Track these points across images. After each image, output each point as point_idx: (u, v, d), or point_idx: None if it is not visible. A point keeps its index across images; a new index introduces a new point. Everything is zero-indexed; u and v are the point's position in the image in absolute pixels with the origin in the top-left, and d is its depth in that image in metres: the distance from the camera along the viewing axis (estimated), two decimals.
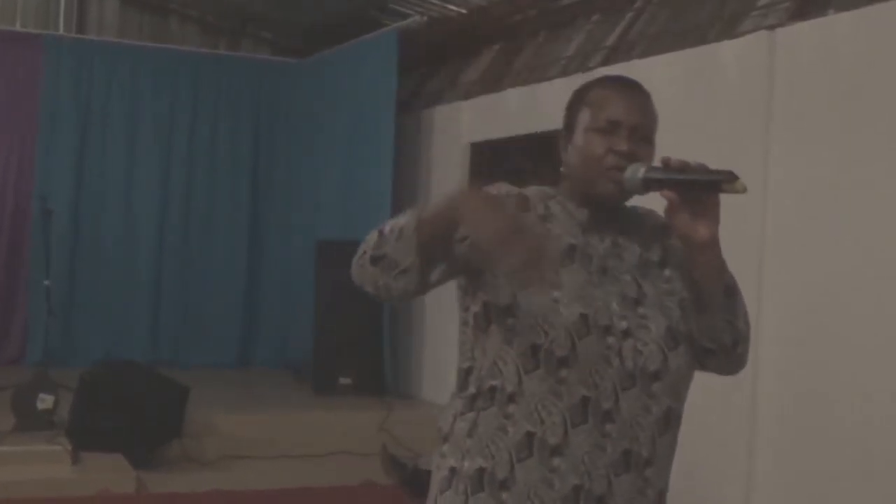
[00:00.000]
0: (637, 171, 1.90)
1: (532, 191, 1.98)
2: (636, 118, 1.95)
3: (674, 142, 6.87)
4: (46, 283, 7.13)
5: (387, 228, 1.82)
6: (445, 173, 8.53)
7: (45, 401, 6.44)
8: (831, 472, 5.02)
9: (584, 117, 1.95)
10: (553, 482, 1.83)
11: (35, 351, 8.57)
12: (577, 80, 7.28)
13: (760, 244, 5.48)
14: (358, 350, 7.98)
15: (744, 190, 1.84)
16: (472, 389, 1.92)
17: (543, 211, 1.95)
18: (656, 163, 1.94)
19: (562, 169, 2.00)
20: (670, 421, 1.92)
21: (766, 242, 5.46)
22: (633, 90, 2.00)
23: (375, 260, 1.81)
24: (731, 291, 1.93)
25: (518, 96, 7.67)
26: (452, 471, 1.92)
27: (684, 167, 1.90)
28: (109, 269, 9.43)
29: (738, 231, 5.60)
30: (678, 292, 1.96)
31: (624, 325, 1.87)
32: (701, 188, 1.86)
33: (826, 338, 5.12)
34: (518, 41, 8.29)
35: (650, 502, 1.90)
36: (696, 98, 6.06)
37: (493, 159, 8.42)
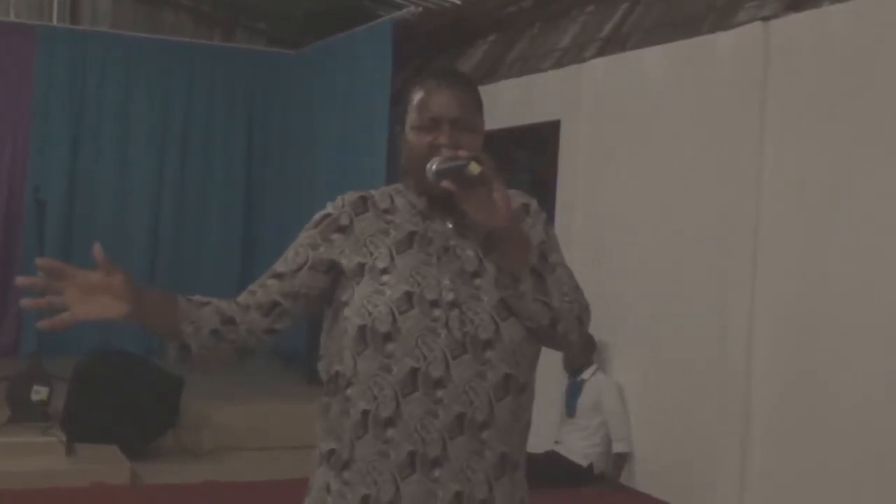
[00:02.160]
0: (432, 165, 1.98)
1: (380, 190, 2.15)
2: (454, 112, 2.03)
3: (668, 132, 6.88)
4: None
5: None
6: None
7: (39, 392, 6.43)
8: (825, 460, 5.03)
9: (410, 117, 2.07)
10: (388, 453, 1.95)
11: (29, 342, 8.56)
12: (572, 72, 7.31)
13: (754, 233, 5.48)
14: None
15: (477, 171, 1.91)
16: (324, 376, 2.09)
17: (388, 205, 2.10)
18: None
19: (402, 164, 2.13)
20: (509, 387, 1.99)
21: (760, 232, 5.47)
22: (450, 84, 2.07)
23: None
24: (539, 273, 1.98)
25: (513, 87, 7.67)
26: (319, 450, 2.08)
27: (454, 157, 1.96)
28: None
29: (732, 220, 5.63)
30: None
31: (451, 296, 1.98)
32: (461, 176, 1.93)
33: (819, 327, 5.13)
34: (513, 32, 8.28)
35: (489, 464, 1.98)
36: (691, 89, 6.06)
37: (487, 150, 8.41)
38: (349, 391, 2.00)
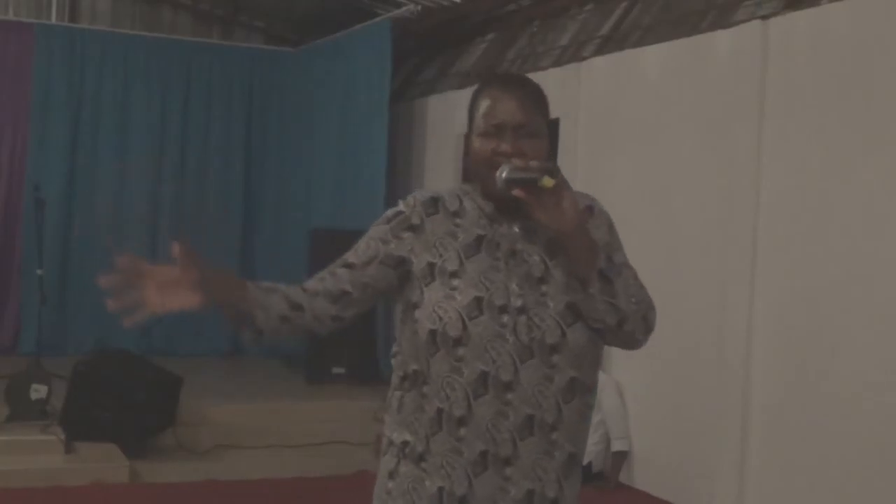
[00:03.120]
0: (502, 173, 2.02)
1: (448, 189, 2.21)
2: (518, 118, 2.08)
3: (667, 131, 6.89)
4: (39, 272, 7.11)
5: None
6: (439, 163, 8.54)
7: (38, 390, 6.43)
8: (824, 457, 5.04)
9: (475, 124, 2.13)
10: (461, 450, 2.04)
11: (28, 340, 8.55)
12: (571, 70, 7.31)
13: (753, 231, 5.49)
14: (351, 339, 7.97)
15: (550, 184, 1.96)
16: (400, 372, 2.15)
17: (457, 207, 2.15)
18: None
19: (469, 166, 2.19)
20: (575, 390, 2.08)
21: (758, 229, 5.47)
22: (514, 90, 2.13)
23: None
24: (606, 276, 2.04)
25: None
26: (389, 440, 2.17)
27: (525, 167, 2.01)
28: (102, 258, 9.35)
29: (731, 218, 5.63)
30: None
31: (519, 302, 2.05)
32: (533, 186, 1.99)
33: (818, 326, 5.13)
34: (512, 31, 8.28)
35: (559, 464, 2.08)
36: (690, 87, 6.06)
37: None
38: (425, 389, 2.07)
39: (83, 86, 9.48)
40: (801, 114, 5.31)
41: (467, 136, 2.17)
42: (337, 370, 8.06)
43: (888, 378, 4.74)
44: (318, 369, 8.14)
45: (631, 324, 2.07)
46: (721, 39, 5.87)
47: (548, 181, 1.97)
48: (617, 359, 6.49)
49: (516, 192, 1.98)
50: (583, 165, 6.90)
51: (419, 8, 8.61)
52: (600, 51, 6.97)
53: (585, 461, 6.26)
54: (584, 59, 7.02)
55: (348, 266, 2.14)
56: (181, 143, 9.78)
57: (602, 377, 6.40)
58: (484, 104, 2.12)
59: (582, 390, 2.09)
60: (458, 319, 2.03)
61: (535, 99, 2.13)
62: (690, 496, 5.80)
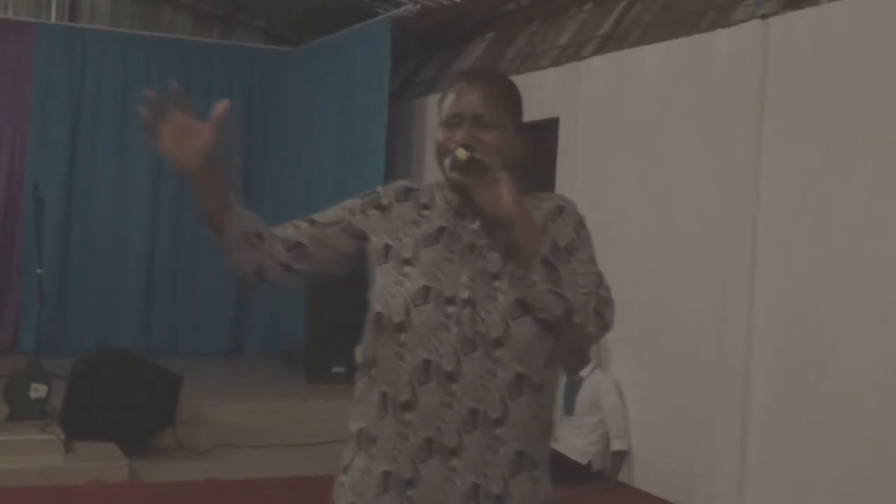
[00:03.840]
0: (447, 162, 2.07)
1: (427, 184, 2.23)
2: (476, 109, 2.09)
3: (667, 130, 6.88)
4: (39, 271, 7.11)
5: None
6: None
7: (38, 390, 6.43)
8: (823, 455, 5.04)
9: (441, 111, 2.15)
10: (407, 435, 2.04)
11: (28, 340, 8.54)
12: (571, 70, 7.30)
13: (753, 230, 5.49)
14: (351, 338, 7.89)
15: (464, 156, 2.01)
16: (359, 359, 2.16)
17: (428, 200, 2.17)
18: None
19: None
20: (523, 386, 2.04)
21: (758, 228, 5.47)
22: (479, 83, 2.14)
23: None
24: (551, 264, 2.00)
25: None
26: (349, 432, 2.18)
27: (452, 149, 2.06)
28: (102, 258, 9.41)
29: (730, 217, 5.63)
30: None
31: (467, 294, 2.04)
32: (459, 164, 2.03)
33: (818, 325, 5.13)
34: (511, 30, 8.28)
35: (504, 460, 2.04)
36: (690, 86, 6.06)
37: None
38: (373, 372, 2.10)
39: (83, 85, 9.48)
40: (800, 113, 5.31)
41: None
42: (337, 370, 8.05)
43: (888, 378, 4.74)
44: (318, 369, 8.14)
45: (580, 315, 2.00)
46: (721, 39, 5.88)
47: (460, 152, 2.01)
48: (617, 358, 6.50)
49: (452, 175, 2.03)
50: (582, 165, 6.90)
51: (419, 7, 8.61)
52: (600, 50, 6.97)
53: (584, 460, 6.31)
54: (584, 58, 7.02)
55: (311, 222, 2.20)
56: None
57: (602, 376, 6.41)
58: (450, 97, 2.13)
59: (531, 388, 2.05)
60: (403, 306, 2.04)
61: (503, 94, 2.14)
62: (690, 496, 5.81)
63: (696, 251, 5.91)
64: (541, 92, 7.31)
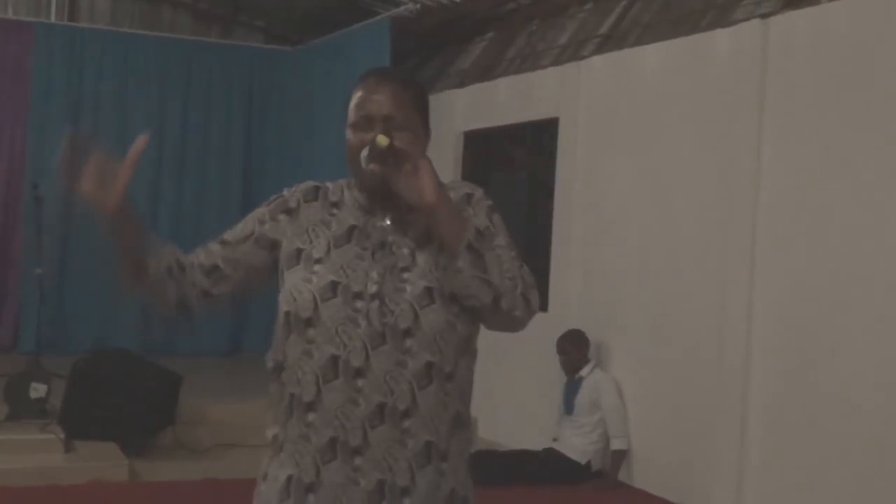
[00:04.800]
0: (363, 154, 2.05)
1: (336, 182, 2.22)
2: (386, 110, 2.07)
3: (667, 130, 6.87)
4: (38, 271, 7.11)
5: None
6: (437, 162, 8.49)
7: (37, 389, 6.43)
8: (822, 456, 5.04)
9: (349, 116, 2.12)
10: (310, 437, 2.00)
11: (27, 339, 8.56)
12: (570, 69, 7.28)
13: (752, 230, 5.49)
14: None
15: (385, 142, 1.99)
16: (269, 364, 2.12)
17: (338, 198, 2.16)
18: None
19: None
20: (432, 375, 2.01)
21: (758, 228, 5.47)
22: (387, 83, 2.12)
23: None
24: (476, 250, 1.99)
25: (511, 85, 7.67)
26: (267, 437, 2.14)
27: (371, 140, 2.04)
28: (101, 258, 9.40)
29: (730, 217, 5.63)
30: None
31: (374, 289, 2.02)
32: (378, 153, 2.01)
33: (817, 325, 5.13)
34: (511, 30, 8.28)
35: (412, 453, 2.00)
36: (689, 86, 6.06)
37: (486, 148, 8.42)
38: (283, 375, 2.06)
39: (82, 85, 9.49)
40: (800, 113, 5.31)
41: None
42: None
43: (888, 378, 4.74)
44: None
45: (508, 301, 2.00)
46: (721, 38, 5.88)
47: (382, 139, 1.99)
48: (617, 358, 6.50)
49: (372, 166, 2.01)
50: (582, 165, 6.90)
51: (418, 7, 8.61)
52: (599, 50, 6.97)
53: (584, 460, 6.31)
54: (584, 58, 7.02)
55: (222, 243, 2.17)
56: (181, 143, 9.79)
57: (601, 376, 6.41)
58: (357, 95, 2.12)
59: (440, 376, 2.02)
60: (311, 301, 2.01)
61: (411, 95, 2.12)
62: (690, 495, 5.81)
63: (696, 251, 5.91)
64: (541, 92, 7.32)
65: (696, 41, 6.06)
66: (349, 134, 2.11)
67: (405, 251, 2.06)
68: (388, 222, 2.10)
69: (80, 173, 2.10)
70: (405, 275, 2.04)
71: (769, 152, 5.45)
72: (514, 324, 2.06)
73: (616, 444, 6.28)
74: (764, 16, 5.58)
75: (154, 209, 9.68)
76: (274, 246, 2.13)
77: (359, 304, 2.01)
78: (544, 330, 6.32)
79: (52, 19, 9.83)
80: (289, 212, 2.16)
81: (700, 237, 5.88)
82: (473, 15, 8.61)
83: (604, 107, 6.75)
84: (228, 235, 2.18)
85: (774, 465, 5.32)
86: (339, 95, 9.39)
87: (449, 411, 2.05)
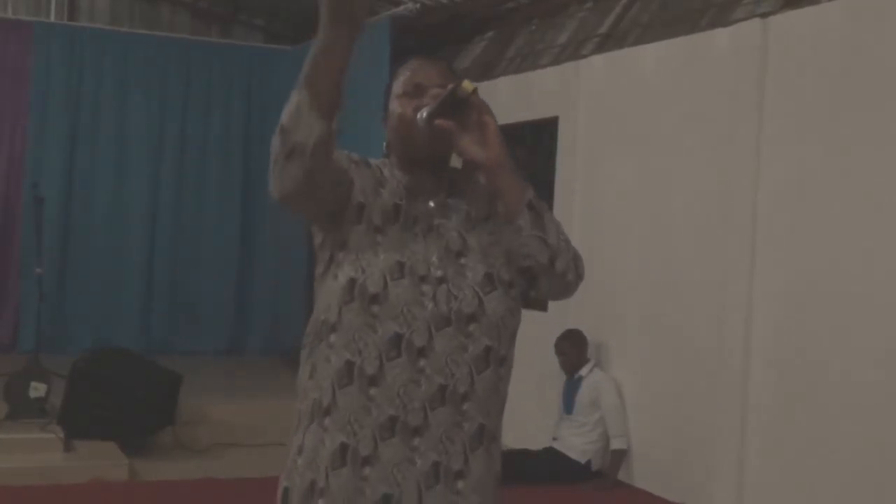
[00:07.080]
0: (422, 114, 2.05)
1: (376, 160, 2.21)
2: (436, 80, 2.11)
3: (666, 129, 6.86)
4: (38, 270, 7.11)
5: (284, 122, 1.98)
6: None
7: (37, 388, 6.43)
8: (823, 455, 5.04)
9: (395, 88, 2.16)
10: (370, 409, 1.98)
11: (27, 338, 8.55)
12: (570, 69, 7.27)
13: (752, 230, 5.49)
14: None
15: (471, 87, 1.97)
16: (309, 336, 2.09)
17: (381, 175, 2.14)
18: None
19: (385, 143, 2.23)
20: (490, 360, 2.05)
21: (757, 228, 5.47)
22: (433, 61, 2.18)
23: (290, 155, 1.92)
24: (535, 208, 2.03)
25: (511, 84, 7.67)
26: (298, 413, 2.14)
27: (440, 94, 2.04)
28: (101, 257, 9.42)
29: (729, 216, 5.63)
30: (503, 242, 2.08)
31: (439, 273, 2.02)
32: (452, 104, 1.99)
33: (817, 325, 5.14)
34: (511, 29, 8.28)
35: (467, 435, 2.03)
36: (689, 85, 6.06)
37: None
38: (332, 338, 2.02)
39: (82, 84, 9.48)
40: (799, 111, 5.31)
41: (384, 119, 2.21)
42: None
43: (888, 377, 4.74)
44: None
45: (562, 262, 2.03)
46: (720, 38, 5.88)
47: (468, 84, 1.96)
48: (616, 357, 6.50)
49: (439, 123, 1.99)
50: (582, 164, 6.90)
51: (418, 6, 8.61)
52: (599, 49, 6.98)
53: (584, 459, 6.31)
54: (583, 57, 7.03)
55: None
56: (180, 142, 9.79)
57: (601, 375, 6.41)
58: (404, 74, 2.15)
59: (496, 361, 2.06)
60: (381, 278, 1.99)
61: (453, 73, 2.16)
62: (690, 495, 5.81)
63: (695, 250, 5.91)
64: (540, 91, 7.32)
65: (696, 41, 6.06)
66: (397, 106, 2.12)
67: (454, 234, 2.07)
68: (433, 204, 2.10)
69: None
70: (462, 260, 2.05)
71: (768, 152, 5.46)
72: (566, 288, 2.10)
73: (616, 444, 6.28)
74: (763, 15, 5.58)
75: (154, 209, 9.68)
76: (351, 185, 2.06)
77: (425, 287, 2.01)
78: (544, 330, 6.32)
79: (52, 19, 9.82)
80: (357, 163, 2.13)
81: (700, 236, 5.88)
82: (473, 14, 8.62)
83: (603, 106, 6.75)
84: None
85: (774, 464, 5.32)
86: None
87: (500, 395, 2.10)
